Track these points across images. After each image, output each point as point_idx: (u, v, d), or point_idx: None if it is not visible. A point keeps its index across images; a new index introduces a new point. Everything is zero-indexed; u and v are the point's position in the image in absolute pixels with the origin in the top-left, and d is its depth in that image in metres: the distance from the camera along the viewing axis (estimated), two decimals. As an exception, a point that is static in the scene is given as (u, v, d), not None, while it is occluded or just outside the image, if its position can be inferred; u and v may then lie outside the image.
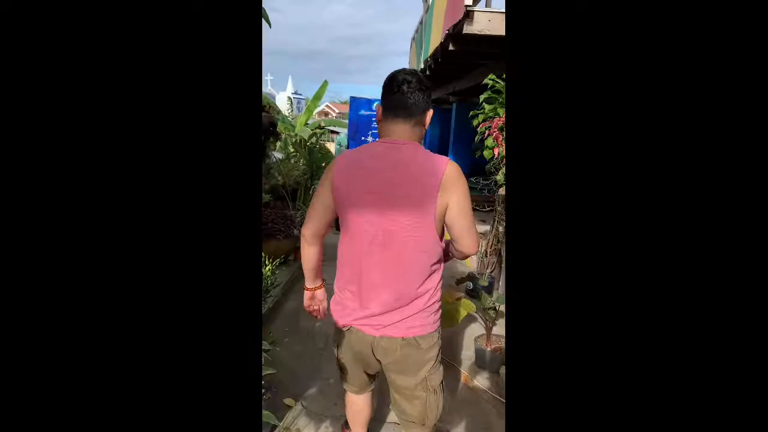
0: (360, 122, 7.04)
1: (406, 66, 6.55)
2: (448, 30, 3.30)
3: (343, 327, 1.22)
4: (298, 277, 3.36)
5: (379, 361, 1.22)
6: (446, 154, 4.74)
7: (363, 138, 7.12)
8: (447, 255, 1.24)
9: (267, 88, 22.67)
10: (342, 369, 1.33)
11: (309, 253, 1.28)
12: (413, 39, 5.36)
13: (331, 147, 8.52)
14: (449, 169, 1.08)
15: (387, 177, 1.09)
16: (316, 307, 1.37)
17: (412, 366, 1.20)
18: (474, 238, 1.14)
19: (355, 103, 6.95)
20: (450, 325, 2.03)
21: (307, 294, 1.36)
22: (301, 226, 3.39)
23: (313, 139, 5.70)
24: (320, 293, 1.37)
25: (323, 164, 4.54)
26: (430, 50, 3.77)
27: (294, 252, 3.47)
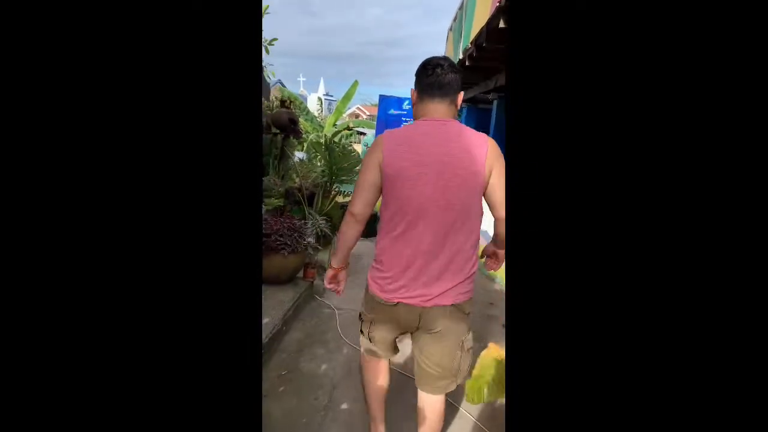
0: (389, 121, 6.50)
1: (447, 31, 5.94)
2: (499, 2, 2.70)
3: (388, 302, 1.24)
4: (307, 299, 2.85)
5: (418, 329, 1.28)
6: None
7: (391, 139, 6.61)
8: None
9: (299, 89, 22.89)
10: (372, 340, 1.36)
11: (352, 233, 1.31)
12: (450, 29, 4.77)
13: (359, 148, 8.24)
14: (491, 142, 1.18)
15: (438, 151, 1.14)
16: (337, 287, 1.42)
17: (456, 329, 1.26)
18: None
19: (385, 101, 6.42)
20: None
21: (330, 272, 1.40)
22: (311, 236, 2.89)
23: (336, 138, 5.19)
24: (343, 274, 1.42)
25: (345, 165, 3.99)
26: (472, 35, 3.18)
27: (304, 269, 2.96)
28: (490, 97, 4.17)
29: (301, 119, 10.24)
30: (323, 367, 2.11)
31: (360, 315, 1.41)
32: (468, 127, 1.21)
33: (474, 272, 1.26)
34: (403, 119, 6.46)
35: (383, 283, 1.25)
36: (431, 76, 1.19)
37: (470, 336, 1.32)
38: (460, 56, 3.36)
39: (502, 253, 1.41)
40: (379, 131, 6.51)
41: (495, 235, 1.34)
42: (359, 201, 1.24)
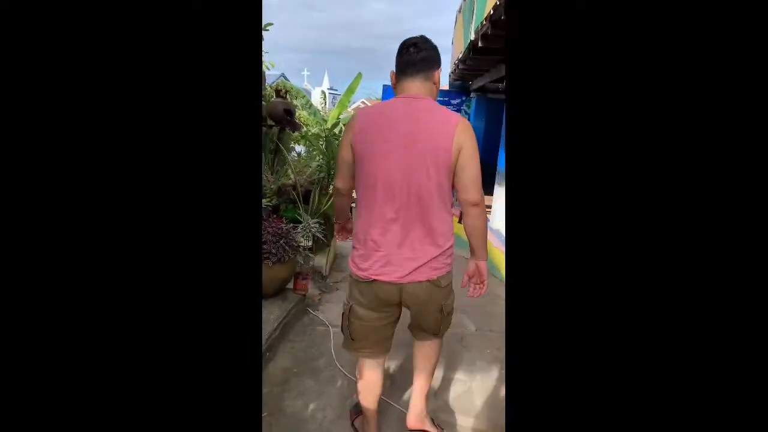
0: (393, 113, 6.12)
1: (450, 44, 5.54)
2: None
3: (365, 279, 1.25)
4: (297, 314, 2.48)
5: (400, 305, 1.32)
6: (495, 158, 3.82)
7: (396, 132, 6.21)
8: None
9: (303, 83, 22.65)
10: (352, 332, 1.35)
11: (341, 202, 1.46)
12: (459, 11, 4.35)
13: None
14: (461, 121, 1.18)
15: (405, 126, 1.15)
16: (345, 234, 1.55)
17: (435, 301, 1.31)
18: (478, 186, 1.20)
19: (388, 91, 6.03)
20: None
21: (337, 226, 1.58)
22: (302, 243, 2.51)
23: (337, 130, 4.80)
24: (349, 224, 1.55)
25: None
26: (486, 12, 2.77)
27: (294, 279, 2.59)
28: (500, 87, 3.76)
29: (303, 113, 9.89)
30: (311, 406, 1.74)
31: (342, 313, 1.38)
32: (439, 105, 1.21)
33: (450, 248, 1.26)
34: (409, 110, 6.08)
35: (359, 261, 1.26)
36: (404, 55, 1.21)
37: (450, 300, 1.37)
38: (472, 37, 2.95)
39: (484, 267, 1.35)
40: (382, 124, 6.14)
41: (468, 235, 1.29)
42: (339, 176, 1.31)
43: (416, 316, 1.37)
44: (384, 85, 6.06)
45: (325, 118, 9.99)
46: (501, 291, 3.00)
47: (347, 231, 1.55)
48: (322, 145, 3.91)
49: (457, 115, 1.20)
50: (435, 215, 1.19)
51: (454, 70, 5.05)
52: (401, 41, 1.24)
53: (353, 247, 1.29)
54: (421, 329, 1.43)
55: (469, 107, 6.04)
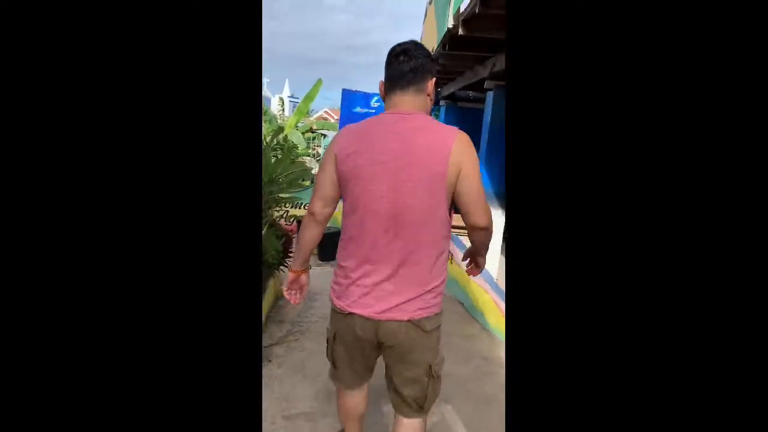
0: (353, 121, 5.48)
1: (418, 39, 5.02)
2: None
3: (342, 310, 1.17)
4: None
5: (380, 346, 1.19)
6: None
7: (357, 142, 5.58)
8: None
9: (264, 90, 21.91)
10: (335, 360, 1.28)
11: (313, 233, 1.23)
12: (429, 2, 3.79)
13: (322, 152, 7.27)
14: (459, 136, 1.07)
15: (395, 147, 1.06)
16: (296, 293, 1.34)
17: (417, 350, 1.16)
18: (484, 207, 1.09)
19: (349, 98, 5.41)
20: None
21: (291, 276, 1.32)
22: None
23: (280, 138, 4.12)
24: (305, 277, 1.34)
25: (288, 173, 2.93)
26: (464, -4, 2.20)
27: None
28: (485, 87, 3.21)
29: (258, 120, 9.11)
30: None
31: (326, 339, 1.30)
32: (434, 120, 1.12)
33: (439, 286, 1.14)
34: (371, 118, 5.47)
35: (339, 289, 1.18)
36: (394, 65, 1.12)
37: (440, 359, 1.21)
38: (450, 24, 2.38)
39: (482, 258, 1.29)
40: (342, 132, 5.49)
41: (471, 242, 1.22)
42: (317, 199, 1.18)
43: (395, 371, 1.19)
44: (343, 90, 5.45)
45: (283, 126, 9.38)
46: (497, 354, 2.41)
47: (301, 286, 1.33)
48: (272, 154, 3.22)
49: (454, 131, 1.08)
50: (426, 247, 1.09)
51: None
52: (391, 50, 1.13)
53: (334, 274, 1.21)
54: (401, 396, 1.21)
55: (437, 117, 5.52)
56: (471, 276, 1.33)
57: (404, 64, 1.09)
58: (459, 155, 1.03)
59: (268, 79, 23.11)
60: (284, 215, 6.11)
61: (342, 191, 1.14)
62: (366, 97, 5.47)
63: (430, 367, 1.16)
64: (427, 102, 1.14)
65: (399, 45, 1.13)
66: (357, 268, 1.12)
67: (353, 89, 5.45)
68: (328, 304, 1.23)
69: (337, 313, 1.20)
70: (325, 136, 6.53)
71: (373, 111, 5.45)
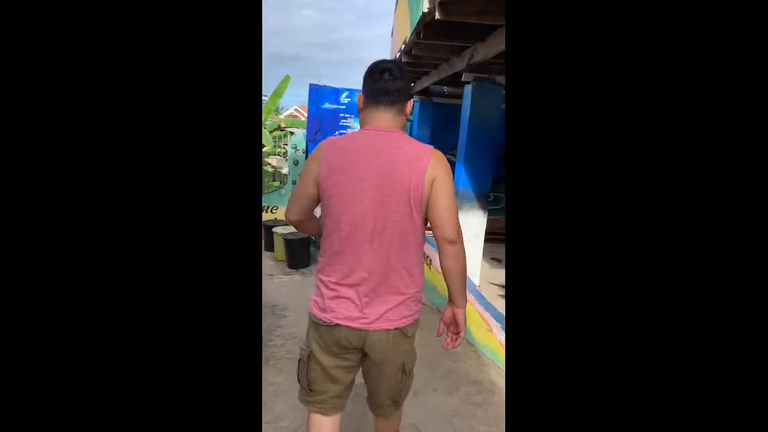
0: (324, 118, 5.14)
1: (389, 35, 4.74)
2: None
3: (327, 323, 1.16)
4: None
5: (364, 356, 1.21)
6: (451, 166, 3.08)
7: (327, 140, 5.26)
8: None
9: None
10: (311, 382, 1.23)
11: (305, 228, 1.28)
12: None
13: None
14: (434, 154, 1.11)
15: (377, 164, 1.09)
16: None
17: (398, 354, 1.19)
18: (456, 222, 1.12)
19: (317, 93, 5.07)
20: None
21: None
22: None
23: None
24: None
25: None
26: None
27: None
28: (462, 79, 2.97)
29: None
30: None
31: (298, 359, 1.27)
32: (410, 138, 1.15)
33: (419, 291, 1.19)
34: (341, 115, 5.14)
35: (321, 302, 1.18)
36: (378, 81, 1.13)
37: (413, 357, 1.26)
38: (425, 7, 2.12)
39: (461, 316, 1.20)
40: (311, 129, 5.14)
41: (445, 278, 1.17)
42: (294, 209, 1.21)
43: (375, 376, 1.23)
44: (311, 85, 5.11)
45: (249, 124, 8.95)
46: (488, 376, 2.17)
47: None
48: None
49: (429, 148, 1.12)
50: (407, 257, 1.13)
51: (395, 66, 4.25)
52: (371, 64, 1.17)
53: (316, 286, 1.20)
54: (378, 400, 1.27)
55: (411, 114, 5.29)
56: (448, 348, 1.25)
57: (390, 83, 1.11)
58: (434, 171, 1.08)
59: (235, 76, 22.16)
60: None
61: (323, 206, 1.15)
62: (335, 93, 5.14)
63: (404, 365, 1.22)
64: (404, 121, 1.18)
65: (382, 62, 1.15)
66: (341, 282, 1.13)
67: (321, 84, 5.12)
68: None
69: (320, 326, 1.18)
70: (293, 134, 6.17)
71: (344, 107, 5.14)
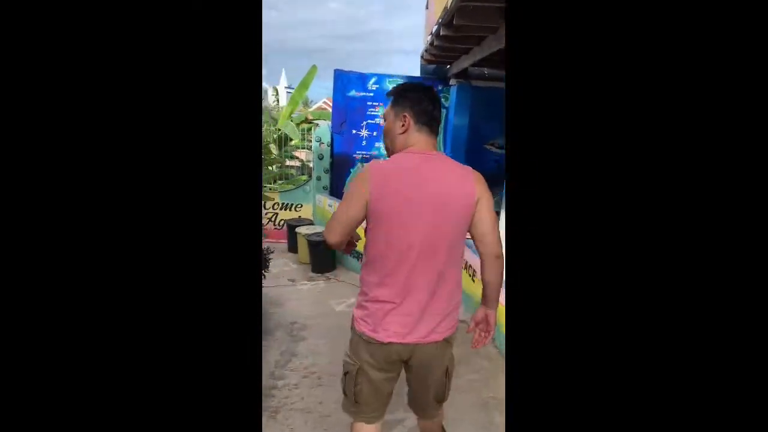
0: (349, 107, 4.69)
1: (419, 22, 4.22)
2: None
3: (381, 341, 1.19)
4: None
5: (402, 364, 1.26)
6: (484, 165, 2.68)
7: (354, 132, 4.78)
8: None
9: None
10: (358, 395, 1.27)
11: (340, 248, 1.26)
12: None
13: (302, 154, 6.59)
14: (475, 174, 1.20)
15: (431, 187, 1.13)
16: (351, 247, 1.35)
17: (444, 361, 1.27)
18: (498, 235, 1.19)
19: (342, 79, 4.63)
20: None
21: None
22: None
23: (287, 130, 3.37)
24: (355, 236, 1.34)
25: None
26: None
27: None
28: (487, 71, 2.44)
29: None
30: None
31: (344, 372, 1.29)
32: (453, 161, 1.22)
33: (459, 301, 1.25)
34: (369, 104, 4.68)
35: (374, 321, 1.20)
36: (430, 109, 1.20)
37: (453, 360, 1.32)
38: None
39: (492, 317, 1.27)
40: (336, 120, 4.70)
41: (484, 285, 1.26)
42: (339, 234, 1.19)
43: (421, 382, 1.29)
44: (336, 71, 4.68)
45: (276, 117, 8.69)
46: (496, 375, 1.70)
47: (352, 245, 1.33)
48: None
49: (469, 169, 1.20)
50: (456, 272, 1.20)
51: (431, 44, 3.71)
52: (415, 84, 1.26)
53: (361, 305, 1.23)
54: (424, 403, 1.34)
55: (447, 99, 4.73)
56: (478, 346, 1.30)
57: (437, 111, 1.21)
58: (479, 191, 1.16)
59: (264, 71, 22.31)
60: (273, 218, 5.44)
61: (371, 227, 1.18)
62: (362, 79, 4.68)
63: (447, 368, 1.29)
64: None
65: (429, 89, 1.24)
66: (393, 299, 1.17)
67: (348, 70, 4.66)
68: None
69: (371, 344, 1.21)
70: (318, 126, 5.78)
71: (371, 94, 4.68)
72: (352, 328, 1.25)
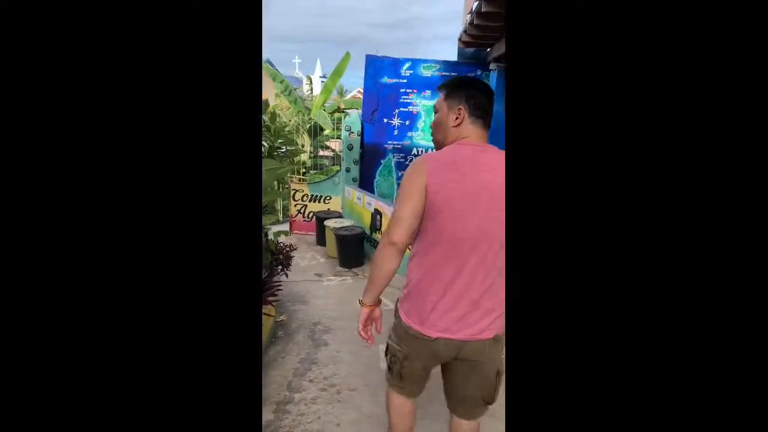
0: (381, 95, 4.46)
1: (459, 5, 3.91)
2: None
3: (428, 336, 1.17)
4: None
5: (452, 360, 1.24)
6: None
7: (386, 120, 4.55)
8: None
9: (294, 71, 21.48)
10: (404, 377, 1.28)
11: (396, 265, 1.16)
12: None
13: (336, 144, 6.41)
14: None
15: (484, 179, 1.11)
16: (370, 331, 1.27)
17: (496, 359, 1.23)
18: None
19: (374, 65, 4.40)
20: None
21: (365, 312, 1.23)
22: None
23: (265, 118, 3.28)
24: (378, 310, 1.26)
25: (268, 169, 2.02)
26: None
27: None
28: None
29: (284, 100, 8.34)
30: None
31: (388, 348, 1.30)
32: (502, 152, 1.19)
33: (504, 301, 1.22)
34: (402, 90, 4.43)
35: (421, 315, 1.17)
36: (486, 101, 1.19)
37: (503, 358, 1.26)
38: None
39: None
40: (367, 108, 4.49)
41: None
42: (403, 229, 1.13)
43: (470, 380, 1.23)
44: (367, 56, 4.45)
45: (309, 106, 8.60)
46: None
47: (374, 320, 1.24)
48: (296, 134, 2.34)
49: None
50: (502, 268, 1.14)
51: (470, 23, 3.40)
52: (473, 79, 1.24)
53: (408, 297, 1.20)
54: (470, 402, 1.27)
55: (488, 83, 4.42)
56: None
57: (491, 106, 1.20)
58: None
59: (300, 59, 22.38)
60: (302, 210, 5.33)
61: (427, 220, 1.14)
62: (395, 64, 4.43)
63: (498, 368, 1.24)
64: None
65: (485, 83, 1.24)
66: (443, 295, 1.14)
67: (380, 55, 4.42)
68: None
69: (417, 338, 1.19)
70: (348, 114, 5.61)
71: (405, 81, 4.42)
72: (397, 315, 1.23)
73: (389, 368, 1.30)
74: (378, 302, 1.22)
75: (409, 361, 1.23)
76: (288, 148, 2.53)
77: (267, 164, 1.94)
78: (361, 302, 1.21)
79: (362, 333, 1.21)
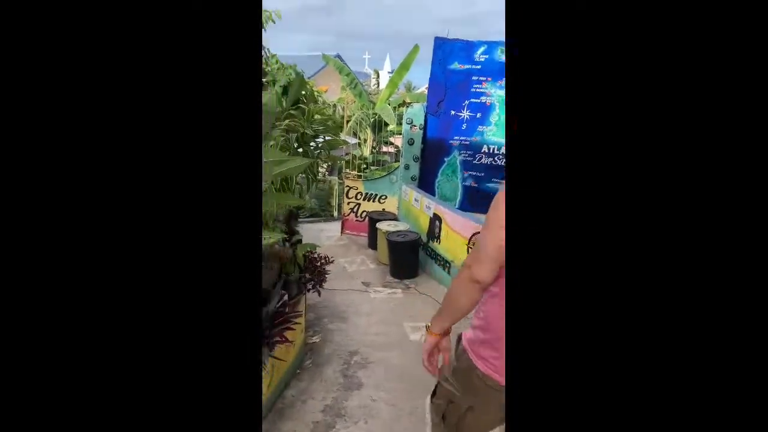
0: (450, 83, 3.90)
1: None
2: None
3: (502, 385, 1.07)
4: None
5: None
6: None
7: (453, 113, 3.98)
8: None
9: (364, 67, 21.57)
10: (459, 428, 1.14)
11: (472, 302, 1.04)
12: None
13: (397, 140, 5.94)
14: None
15: None
16: (436, 361, 1.15)
17: None
18: None
19: (443, 49, 3.86)
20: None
21: (431, 341, 1.11)
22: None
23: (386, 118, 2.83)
24: (447, 341, 1.14)
25: (277, 173, 1.54)
26: None
27: None
28: None
29: (349, 94, 8.09)
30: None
31: (439, 394, 1.15)
32: None
33: None
34: (475, 78, 3.84)
35: (497, 361, 1.02)
36: None
37: None
38: None
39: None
40: (432, 98, 3.96)
41: None
42: (488, 267, 0.99)
43: None
44: (436, 38, 3.91)
45: (373, 100, 8.27)
46: None
47: (444, 350, 1.12)
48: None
49: None
50: None
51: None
52: None
53: (484, 339, 1.05)
54: None
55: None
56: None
57: None
58: None
59: (369, 55, 22.38)
60: (355, 209, 4.94)
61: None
62: (468, 48, 3.86)
63: None
64: None
65: None
66: None
67: (442, 37, 3.87)
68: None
69: (488, 387, 1.04)
70: (411, 106, 5.13)
71: (478, 67, 3.84)
72: (464, 358, 1.08)
73: (443, 418, 1.13)
74: (447, 332, 1.09)
75: (473, 414, 1.08)
76: (326, 137, 2.10)
77: (288, 159, 1.50)
78: (427, 328, 1.11)
79: (427, 365, 1.11)
